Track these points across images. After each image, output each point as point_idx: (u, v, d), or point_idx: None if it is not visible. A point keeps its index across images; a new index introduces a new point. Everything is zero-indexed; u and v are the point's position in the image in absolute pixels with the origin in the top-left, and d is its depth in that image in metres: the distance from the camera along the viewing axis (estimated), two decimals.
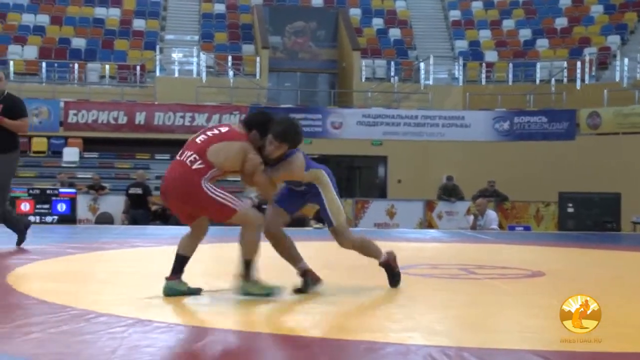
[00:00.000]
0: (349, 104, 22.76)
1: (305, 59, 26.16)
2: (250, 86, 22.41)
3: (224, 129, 5.01)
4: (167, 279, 4.95)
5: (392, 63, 23.95)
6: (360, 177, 23.28)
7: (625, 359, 3.60)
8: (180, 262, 4.98)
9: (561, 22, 25.39)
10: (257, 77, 23.12)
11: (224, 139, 4.91)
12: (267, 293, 4.94)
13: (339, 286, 5.52)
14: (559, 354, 3.65)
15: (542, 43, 24.76)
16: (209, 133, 4.99)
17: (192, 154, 4.87)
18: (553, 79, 22.70)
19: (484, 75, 23.57)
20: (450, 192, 17.96)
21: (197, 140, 4.96)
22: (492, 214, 14.47)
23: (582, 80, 22.21)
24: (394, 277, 5.45)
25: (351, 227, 16.15)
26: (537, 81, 22.92)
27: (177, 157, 4.96)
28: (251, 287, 4.95)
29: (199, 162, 4.84)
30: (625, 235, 14.54)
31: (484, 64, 23.85)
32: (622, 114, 19.78)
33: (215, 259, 7.41)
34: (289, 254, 5.24)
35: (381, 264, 5.43)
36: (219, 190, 4.88)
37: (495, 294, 5.72)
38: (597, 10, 25.46)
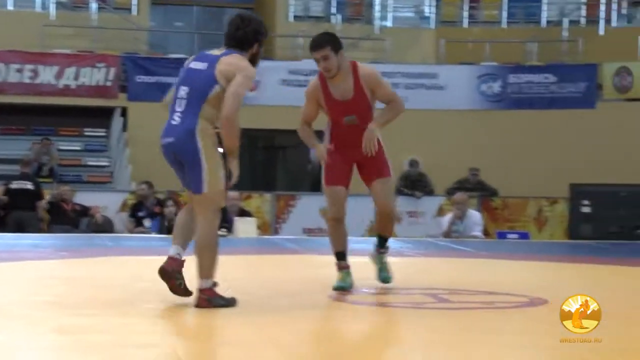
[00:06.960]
0: (269, 54, 22.77)
1: None
2: (124, 26, 22.18)
3: None
4: None
5: None
6: (285, 161, 23.16)
7: None
8: None
9: None
10: (134, 12, 22.91)
11: None
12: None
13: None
14: None
15: None
16: None
17: None
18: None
19: (466, 14, 23.76)
20: (414, 184, 18.07)
21: None
22: (475, 215, 14.68)
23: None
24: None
25: (269, 234, 16.02)
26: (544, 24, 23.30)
27: None
28: None
29: None
30: None
31: None
32: None
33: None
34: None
35: None
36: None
37: (477, 330, 5.81)
38: None
